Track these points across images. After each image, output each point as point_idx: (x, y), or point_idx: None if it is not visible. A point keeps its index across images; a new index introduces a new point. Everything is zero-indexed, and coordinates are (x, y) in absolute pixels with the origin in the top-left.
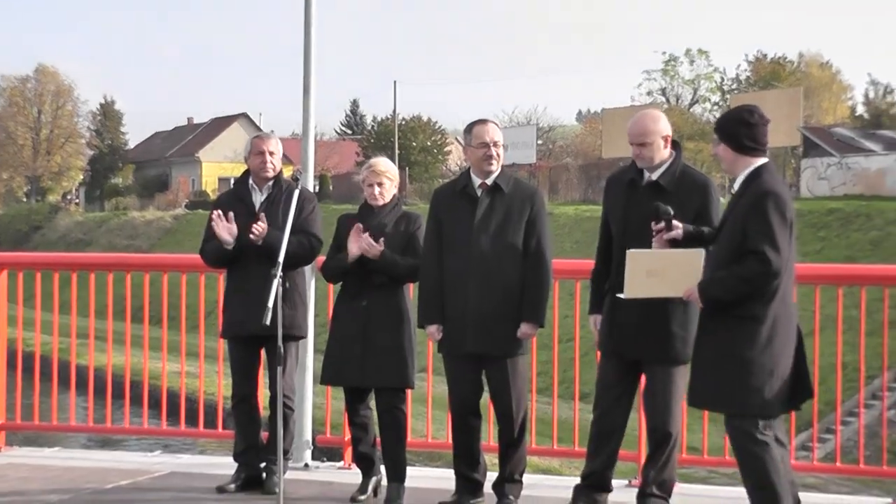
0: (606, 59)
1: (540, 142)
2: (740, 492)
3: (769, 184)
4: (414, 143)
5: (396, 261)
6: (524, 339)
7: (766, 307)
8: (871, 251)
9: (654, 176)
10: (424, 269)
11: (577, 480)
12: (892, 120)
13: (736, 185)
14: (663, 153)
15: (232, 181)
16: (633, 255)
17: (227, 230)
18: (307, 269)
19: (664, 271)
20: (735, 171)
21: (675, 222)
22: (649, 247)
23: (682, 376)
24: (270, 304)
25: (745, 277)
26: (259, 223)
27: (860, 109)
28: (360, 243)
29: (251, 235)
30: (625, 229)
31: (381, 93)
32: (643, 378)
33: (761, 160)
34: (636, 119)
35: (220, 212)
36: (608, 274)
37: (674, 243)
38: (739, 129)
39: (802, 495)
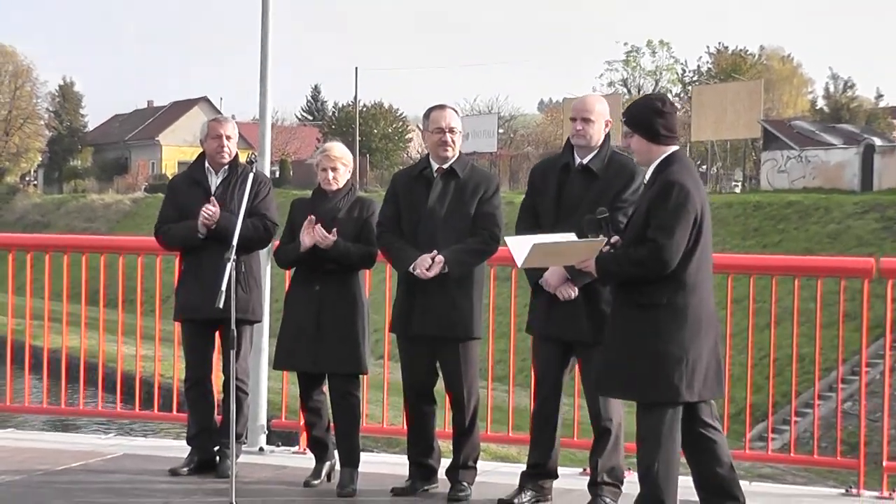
0: (569, 48)
1: (501, 130)
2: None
3: (675, 174)
4: (375, 130)
5: (349, 249)
6: (433, 265)
7: (674, 295)
8: (829, 244)
9: (585, 160)
10: (384, 230)
11: None
12: (851, 114)
13: (647, 175)
14: (601, 136)
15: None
16: (537, 246)
17: (202, 218)
18: (262, 252)
19: (561, 253)
20: (649, 161)
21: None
22: (581, 232)
23: None
24: (224, 287)
25: (637, 261)
26: (209, 206)
27: (820, 103)
28: (312, 234)
29: (201, 219)
30: (557, 212)
31: (343, 79)
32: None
33: (672, 148)
34: (583, 97)
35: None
36: None
37: None
38: (653, 118)
39: (758, 485)
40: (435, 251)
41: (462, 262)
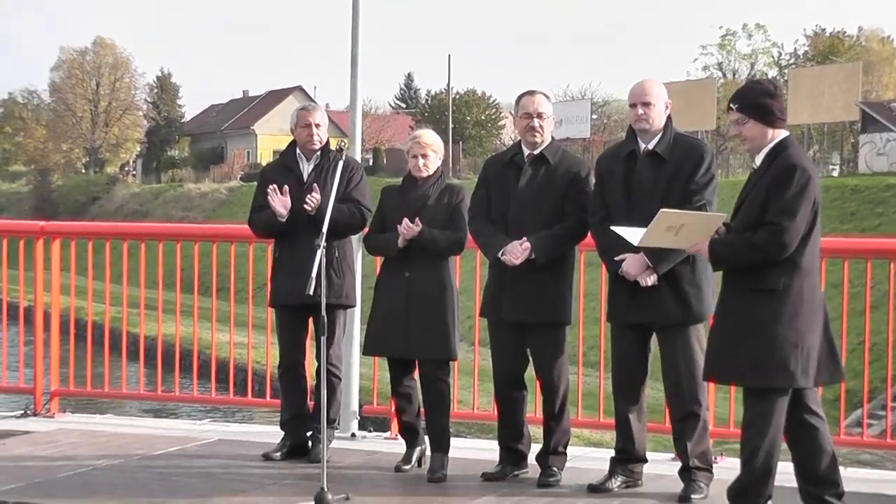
0: (661, 33)
1: (594, 116)
2: (788, 465)
3: (796, 157)
4: (468, 117)
5: (436, 237)
6: (521, 251)
7: (789, 279)
8: None
9: (651, 145)
10: (473, 222)
11: None
12: None
13: (758, 160)
14: (662, 119)
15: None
16: (664, 213)
17: (281, 203)
18: (355, 239)
19: (682, 229)
20: (762, 146)
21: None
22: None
23: (698, 339)
24: (314, 273)
25: (756, 244)
26: (314, 194)
27: None
28: (399, 229)
29: (306, 206)
30: (629, 201)
31: (436, 67)
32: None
33: (784, 133)
34: (640, 82)
35: (274, 186)
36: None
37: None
38: (768, 100)
39: (854, 471)
40: (524, 239)
41: (548, 249)
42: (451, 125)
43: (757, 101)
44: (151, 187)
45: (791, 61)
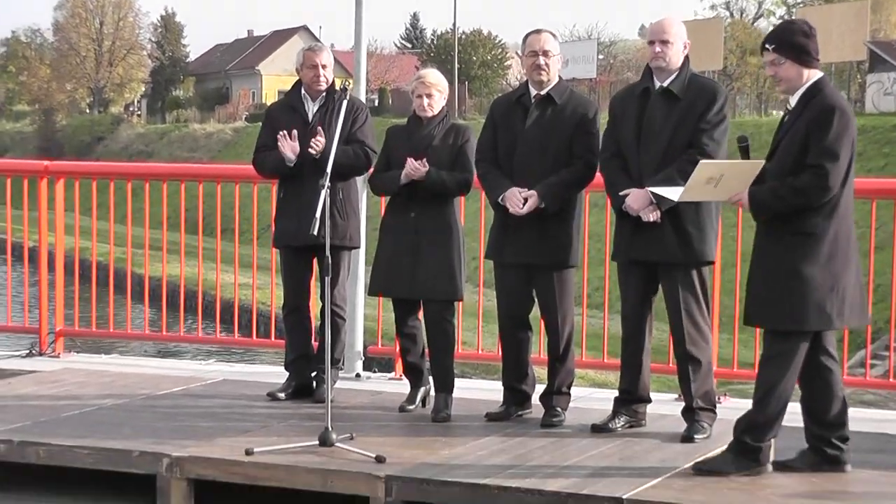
0: None
1: (601, 56)
2: (790, 406)
3: (833, 98)
4: (474, 58)
5: (443, 178)
6: (528, 204)
7: (826, 222)
8: None
9: (666, 83)
10: (482, 160)
11: None
12: None
13: (793, 101)
14: (680, 58)
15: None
16: (704, 164)
17: (290, 148)
18: (359, 180)
19: (722, 179)
20: (796, 87)
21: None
22: (665, 150)
23: (701, 281)
24: (318, 214)
25: (799, 188)
26: (319, 138)
27: None
28: (405, 168)
29: (310, 150)
30: (639, 137)
31: (442, 6)
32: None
33: (818, 74)
34: (659, 20)
35: (284, 132)
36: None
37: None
38: (803, 40)
39: (858, 411)
40: (526, 189)
41: (558, 196)
42: (457, 65)
43: (794, 40)
44: (156, 128)
45: (799, 0)
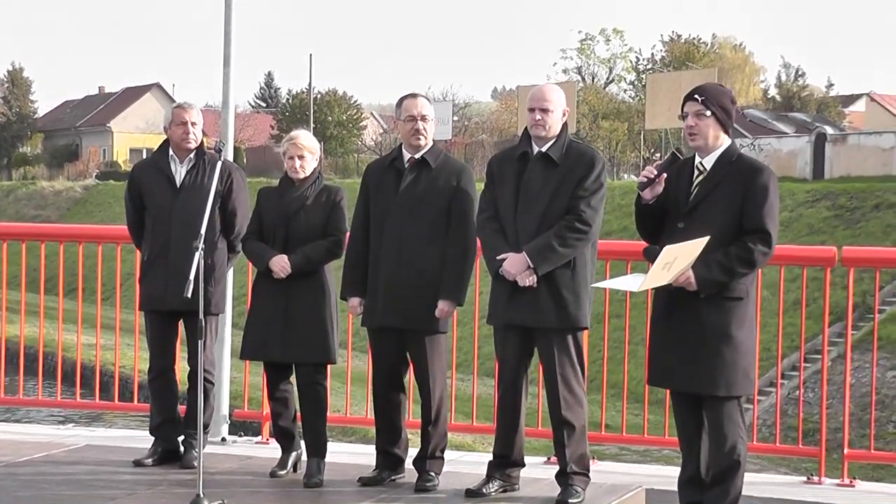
0: (522, 37)
1: (456, 118)
2: (655, 469)
3: (757, 161)
4: (330, 118)
5: (310, 259)
6: (442, 317)
7: (751, 287)
8: (782, 232)
9: (544, 148)
10: (351, 241)
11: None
12: (803, 103)
13: (707, 164)
14: (559, 125)
15: (144, 152)
16: (669, 249)
17: (281, 268)
18: (223, 245)
19: (675, 261)
20: (710, 147)
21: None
22: (543, 215)
23: (576, 346)
24: (192, 276)
25: (746, 258)
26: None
27: (772, 92)
28: (274, 267)
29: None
30: (517, 202)
31: (296, 66)
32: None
33: (728, 140)
34: (540, 87)
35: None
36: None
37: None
38: (729, 104)
39: None
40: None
41: (456, 283)
42: (312, 125)
43: (722, 101)
44: (2, 185)
45: (649, 66)
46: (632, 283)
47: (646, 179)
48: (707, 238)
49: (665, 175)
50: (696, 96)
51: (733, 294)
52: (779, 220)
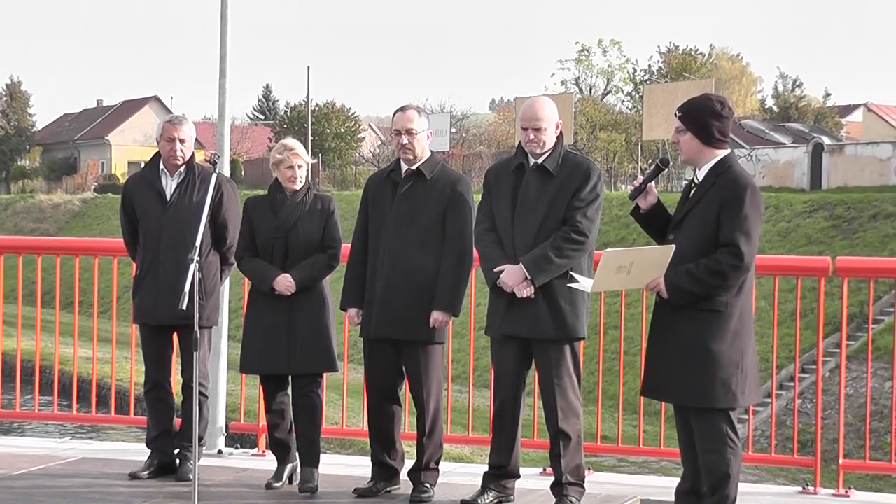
0: (520, 48)
1: (454, 130)
2: (652, 480)
3: (744, 176)
4: (327, 130)
5: (311, 275)
6: (437, 326)
7: (734, 300)
8: (779, 242)
9: (540, 160)
10: (351, 252)
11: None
12: (800, 113)
13: (700, 176)
14: (553, 140)
15: (142, 165)
16: (608, 253)
17: (285, 287)
18: (216, 258)
19: (633, 267)
20: (697, 161)
21: (651, 186)
22: (539, 226)
23: (574, 356)
24: (187, 289)
25: (716, 271)
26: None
27: (770, 102)
28: (279, 288)
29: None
30: (514, 213)
31: (295, 78)
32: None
33: (724, 152)
34: (530, 104)
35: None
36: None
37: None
38: (711, 120)
39: None
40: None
41: (451, 293)
42: (310, 137)
43: (698, 117)
44: (0, 198)
45: (646, 77)
46: (588, 283)
47: (633, 189)
48: (672, 247)
49: (652, 184)
50: (677, 112)
51: (711, 306)
52: (759, 232)
